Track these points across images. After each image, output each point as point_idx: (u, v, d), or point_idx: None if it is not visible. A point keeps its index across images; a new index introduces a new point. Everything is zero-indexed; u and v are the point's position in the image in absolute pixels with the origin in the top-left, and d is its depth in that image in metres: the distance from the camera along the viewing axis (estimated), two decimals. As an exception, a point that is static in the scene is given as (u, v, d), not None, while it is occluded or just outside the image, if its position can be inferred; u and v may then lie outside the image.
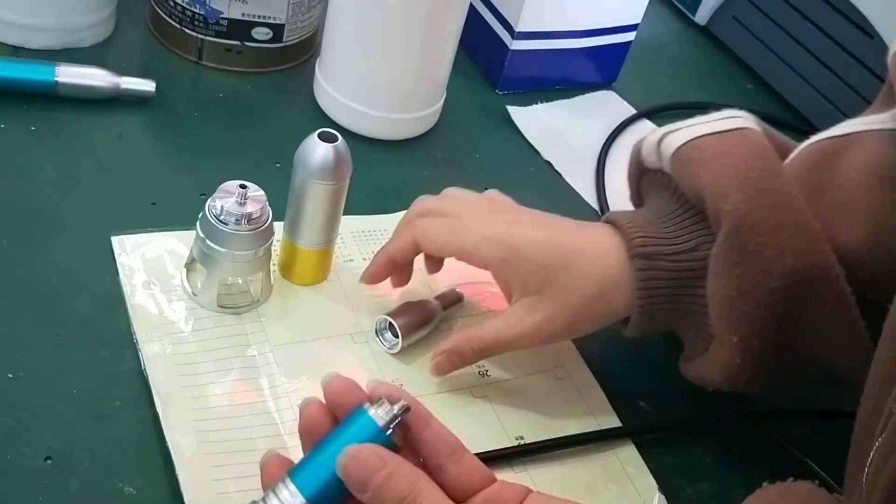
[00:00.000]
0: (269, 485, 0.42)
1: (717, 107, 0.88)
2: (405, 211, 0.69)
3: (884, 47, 0.80)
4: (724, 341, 0.54)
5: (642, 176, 0.62)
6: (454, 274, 0.63)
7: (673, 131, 0.58)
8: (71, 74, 0.70)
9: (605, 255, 0.57)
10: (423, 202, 0.61)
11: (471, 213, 0.59)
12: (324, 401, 0.44)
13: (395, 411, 0.42)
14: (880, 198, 0.53)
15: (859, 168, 0.54)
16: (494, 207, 0.60)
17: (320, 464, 0.42)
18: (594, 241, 0.57)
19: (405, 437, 0.43)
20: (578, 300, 0.56)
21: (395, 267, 0.60)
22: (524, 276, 0.56)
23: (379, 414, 0.42)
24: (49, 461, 0.49)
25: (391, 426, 0.42)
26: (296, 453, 0.51)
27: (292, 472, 0.42)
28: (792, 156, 0.58)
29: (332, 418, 0.44)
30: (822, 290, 0.52)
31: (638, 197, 0.63)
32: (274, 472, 0.43)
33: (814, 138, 0.58)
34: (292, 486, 0.41)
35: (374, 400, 0.43)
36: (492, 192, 0.63)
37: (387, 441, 0.42)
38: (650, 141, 0.59)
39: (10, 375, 0.52)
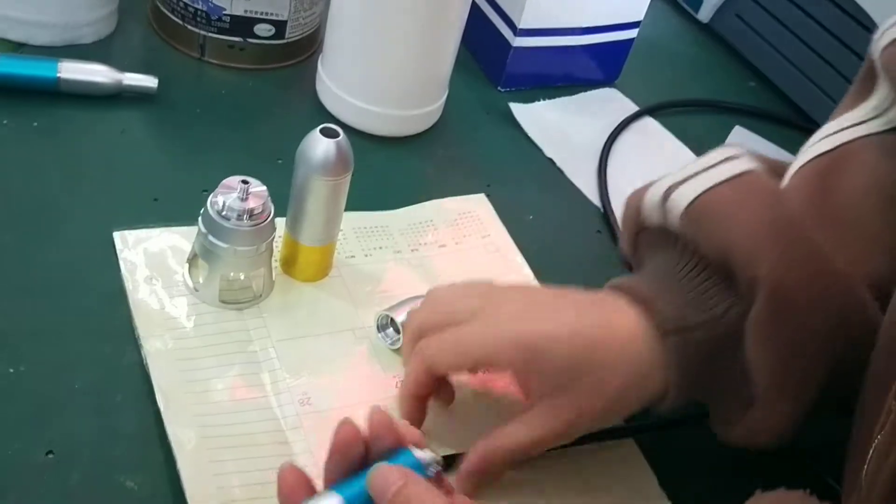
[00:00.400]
0: (289, 497, 0.44)
1: (719, 105, 0.90)
2: (407, 207, 0.69)
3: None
4: (773, 407, 0.51)
5: (640, 231, 0.58)
6: (455, 273, 0.63)
7: (678, 184, 0.54)
8: (73, 71, 0.70)
9: (633, 339, 0.52)
10: (415, 317, 0.56)
11: (469, 313, 0.53)
12: (362, 427, 0.45)
13: (438, 457, 0.45)
14: (894, 222, 0.52)
15: (864, 192, 0.53)
16: (490, 299, 0.55)
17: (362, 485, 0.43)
18: (618, 326, 0.53)
19: (440, 484, 0.45)
20: (610, 393, 0.52)
21: (423, 399, 0.55)
22: (548, 376, 0.51)
23: (421, 455, 0.44)
24: (50, 455, 0.49)
25: (430, 467, 0.44)
26: (297, 448, 0.52)
27: (337, 488, 0.44)
28: (788, 182, 0.56)
29: (363, 443, 0.45)
30: (863, 329, 0.50)
31: (633, 251, 0.59)
32: (293, 484, 0.44)
33: (803, 157, 0.57)
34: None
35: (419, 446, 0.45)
36: (475, 282, 0.58)
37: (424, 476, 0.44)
38: (651, 197, 0.55)
39: (12, 370, 0.53)
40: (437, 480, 0.45)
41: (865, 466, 0.41)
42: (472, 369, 0.55)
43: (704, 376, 0.53)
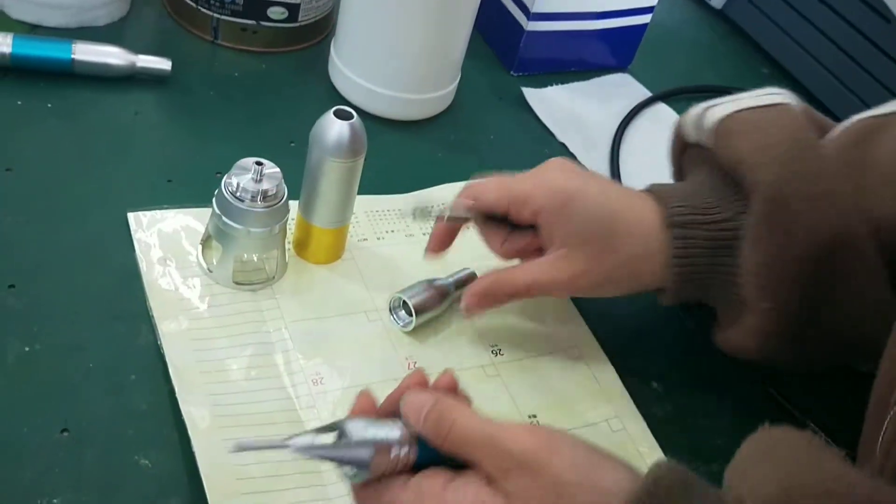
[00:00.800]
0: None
1: (733, 90, 0.90)
2: (419, 191, 0.69)
3: (901, 31, 0.80)
4: (755, 309, 0.55)
5: (684, 151, 0.63)
6: (467, 257, 0.63)
7: (715, 105, 0.59)
8: (87, 52, 0.70)
9: (645, 221, 0.57)
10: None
11: (522, 175, 0.59)
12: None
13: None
14: None
15: None
16: (547, 166, 0.60)
17: None
18: (637, 206, 0.58)
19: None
20: (619, 259, 0.57)
21: (455, 231, 0.60)
22: (573, 226, 0.56)
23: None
24: (65, 433, 0.50)
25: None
26: (310, 427, 0.52)
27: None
28: (833, 133, 0.58)
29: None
30: (852, 262, 0.53)
31: (679, 173, 0.64)
32: (363, 406, 0.46)
33: (856, 117, 0.59)
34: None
35: None
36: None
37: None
38: (692, 115, 0.60)
39: (27, 349, 0.53)
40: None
41: (881, 437, 0.41)
42: (507, 209, 0.58)
43: (703, 275, 0.57)
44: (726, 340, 0.58)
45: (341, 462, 0.43)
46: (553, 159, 0.61)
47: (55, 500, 0.47)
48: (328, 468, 0.51)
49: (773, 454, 0.41)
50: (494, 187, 0.58)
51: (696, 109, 0.60)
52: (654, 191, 0.59)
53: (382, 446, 0.43)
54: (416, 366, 0.57)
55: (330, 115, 0.56)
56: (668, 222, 0.57)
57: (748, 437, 0.44)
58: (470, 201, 0.58)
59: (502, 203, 0.58)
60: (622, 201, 0.58)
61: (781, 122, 0.57)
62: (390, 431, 0.43)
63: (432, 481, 0.42)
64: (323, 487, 0.50)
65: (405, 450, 0.43)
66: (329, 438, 0.43)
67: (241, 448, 0.42)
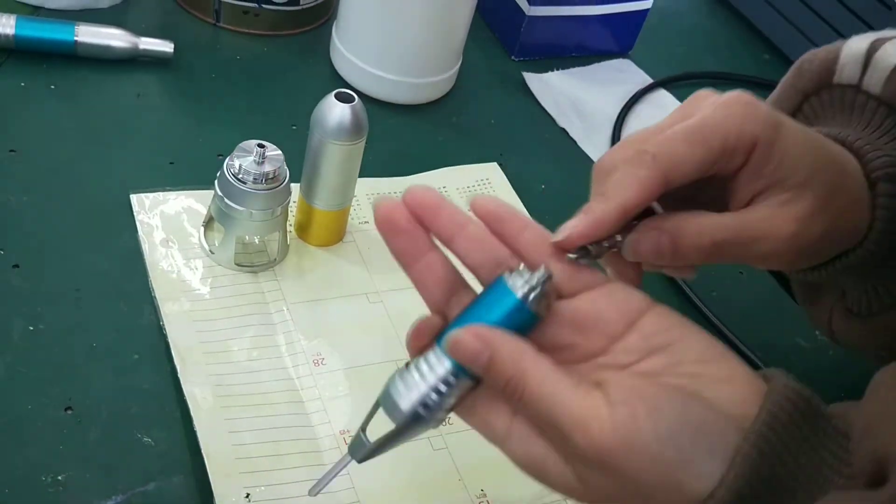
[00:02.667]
0: (416, 349, 0.40)
1: (733, 77, 0.90)
2: (421, 174, 0.70)
3: (902, 17, 0.80)
4: None
5: (816, 93, 0.51)
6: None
7: (886, 40, 0.48)
8: (90, 34, 0.70)
9: (851, 161, 0.45)
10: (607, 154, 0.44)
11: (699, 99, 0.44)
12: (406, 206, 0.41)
13: (535, 281, 0.38)
14: None
15: None
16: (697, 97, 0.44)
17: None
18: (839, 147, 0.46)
19: (549, 305, 0.39)
20: (841, 199, 0.44)
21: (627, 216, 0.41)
22: (793, 158, 0.42)
23: (518, 285, 0.39)
24: (69, 412, 0.50)
25: (531, 296, 0.38)
26: (311, 407, 0.53)
27: (439, 338, 0.39)
28: None
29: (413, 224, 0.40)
30: None
31: (795, 114, 0.52)
32: (420, 337, 0.40)
33: None
34: (438, 350, 0.39)
35: (513, 267, 0.40)
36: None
37: (529, 314, 0.38)
38: (852, 50, 0.49)
39: (31, 328, 0.53)
40: (547, 303, 0.39)
41: None
42: (716, 161, 0.41)
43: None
44: (879, 326, 0.50)
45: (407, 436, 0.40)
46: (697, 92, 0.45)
47: (59, 477, 0.47)
48: (327, 448, 0.51)
49: None
50: (683, 139, 0.41)
51: (855, 44, 0.49)
52: (832, 135, 0.47)
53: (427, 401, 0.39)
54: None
55: (331, 97, 0.57)
56: (874, 175, 0.45)
57: (879, 371, 0.39)
58: (654, 174, 0.40)
59: (711, 153, 0.41)
60: (822, 136, 0.45)
61: None
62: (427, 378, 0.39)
63: None
64: (322, 467, 0.50)
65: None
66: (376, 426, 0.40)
67: (317, 490, 0.42)
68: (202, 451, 0.49)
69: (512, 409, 0.39)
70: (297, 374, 0.54)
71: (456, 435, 0.53)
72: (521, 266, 0.40)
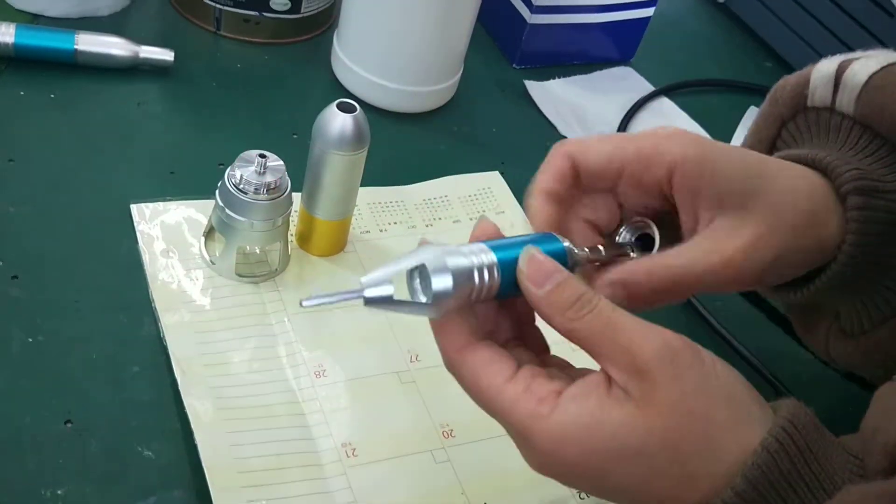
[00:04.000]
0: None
1: (734, 85, 0.90)
2: (422, 183, 0.69)
3: (905, 25, 0.79)
4: None
5: (792, 118, 0.52)
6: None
7: (852, 61, 0.49)
8: (90, 43, 0.70)
9: (806, 175, 0.46)
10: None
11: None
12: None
13: (578, 251, 0.42)
14: None
15: None
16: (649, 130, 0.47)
17: (512, 244, 0.40)
18: (790, 165, 0.47)
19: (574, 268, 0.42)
20: (790, 218, 0.44)
21: (555, 197, 0.45)
22: (723, 181, 0.43)
23: (567, 245, 0.42)
24: (69, 424, 0.50)
25: (575, 256, 0.41)
26: (312, 420, 0.52)
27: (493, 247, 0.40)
28: None
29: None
30: None
31: (771, 148, 0.53)
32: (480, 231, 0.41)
33: None
34: (489, 249, 0.40)
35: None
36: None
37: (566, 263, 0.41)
38: (821, 73, 0.50)
39: (31, 340, 0.53)
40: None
41: None
42: (619, 174, 0.44)
43: (872, 257, 0.47)
44: (868, 344, 0.50)
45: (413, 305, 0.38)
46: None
47: (59, 491, 0.47)
48: (329, 461, 0.51)
49: None
50: (602, 140, 0.44)
51: (823, 67, 0.50)
52: (802, 155, 0.48)
53: (463, 274, 0.38)
54: (419, 358, 0.57)
55: (333, 107, 0.56)
56: (844, 189, 0.46)
57: (879, 388, 0.40)
58: (561, 163, 0.44)
59: (614, 163, 0.44)
60: (772, 160, 0.47)
61: None
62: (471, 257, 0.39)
63: (547, 384, 0.37)
64: (324, 480, 0.50)
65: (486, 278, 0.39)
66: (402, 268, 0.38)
67: (311, 303, 0.38)
68: (203, 464, 0.49)
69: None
70: (298, 386, 0.54)
71: (458, 448, 0.53)
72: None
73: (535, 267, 0.39)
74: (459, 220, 0.67)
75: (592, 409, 0.37)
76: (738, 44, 0.98)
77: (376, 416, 0.54)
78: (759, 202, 0.43)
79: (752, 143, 0.54)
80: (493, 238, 0.41)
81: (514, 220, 0.69)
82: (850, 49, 0.86)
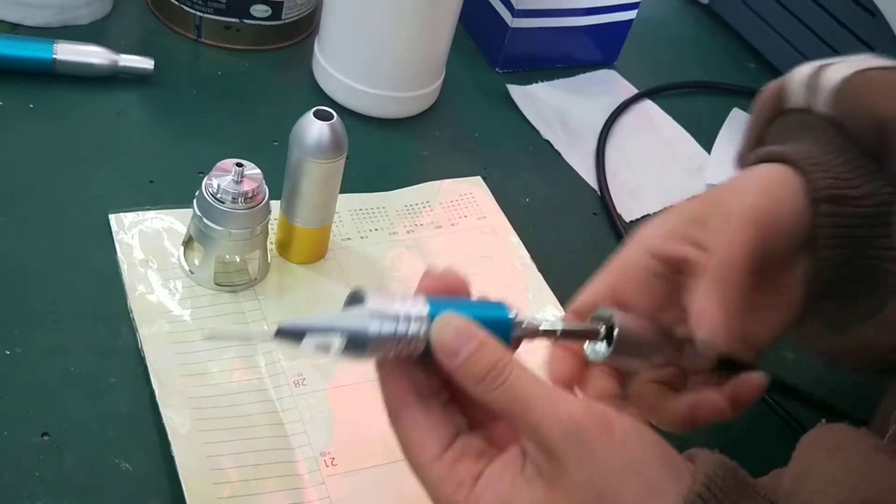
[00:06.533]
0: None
1: (718, 86, 0.90)
2: (403, 189, 0.69)
3: (886, 26, 0.79)
4: None
5: (774, 120, 0.55)
6: (451, 255, 0.63)
7: (830, 65, 0.52)
8: (69, 52, 0.69)
9: (774, 178, 0.48)
10: None
11: None
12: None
13: (528, 317, 0.41)
14: None
15: None
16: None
17: (454, 306, 0.39)
18: (753, 173, 0.49)
19: (516, 346, 0.40)
20: (744, 215, 0.47)
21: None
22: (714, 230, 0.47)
23: (513, 316, 0.40)
24: (46, 437, 0.50)
25: (518, 319, 0.40)
26: (291, 429, 0.52)
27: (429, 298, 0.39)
28: None
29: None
30: None
31: (758, 144, 0.55)
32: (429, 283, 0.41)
33: None
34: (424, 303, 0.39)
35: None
36: None
37: (507, 338, 0.40)
38: (799, 77, 0.53)
39: (8, 352, 0.53)
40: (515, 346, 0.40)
41: None
42: (686, 251, 0.47)
43: (842, 262, 0.49)
44: (852, 340, 0.51)
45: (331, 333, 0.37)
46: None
47: (35, 505, 0.47)
48: (307, 471, 0.51)
49: (838, 456, 0.38)
50: (661, 226, 0.48)
51: (802, 70, 0.53)
52: (780, 155, 0.50)
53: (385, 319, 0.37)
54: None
55: (310, 115, 0.56)
56: (816, 196, 0.48)
57: (804, 435, 0.41)
58: (603, 282, 0.49)
59: (681, 243, 0.47)
60: (727, 184, 0.50)
61: None
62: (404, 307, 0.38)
63: (471, 466, 0.38)
64: (303, 490, 0.50)
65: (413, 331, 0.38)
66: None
67: (216, 336, 0.37)
68: (179, 476, 0.48)
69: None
70: (277, 396, 0.54)
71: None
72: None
73: (448, 336, 0.38)
74: (441, 226, 0.67)
75: (505, 491, 0.37)
76: (722, 45, 0.98)
77: (355, 424, 0.53)
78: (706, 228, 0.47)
79: (742, 145, 0.57)
80: (449, 291, 0.41)
81: (495, 226, 0.68)
82: (834, 49, 0.86)
